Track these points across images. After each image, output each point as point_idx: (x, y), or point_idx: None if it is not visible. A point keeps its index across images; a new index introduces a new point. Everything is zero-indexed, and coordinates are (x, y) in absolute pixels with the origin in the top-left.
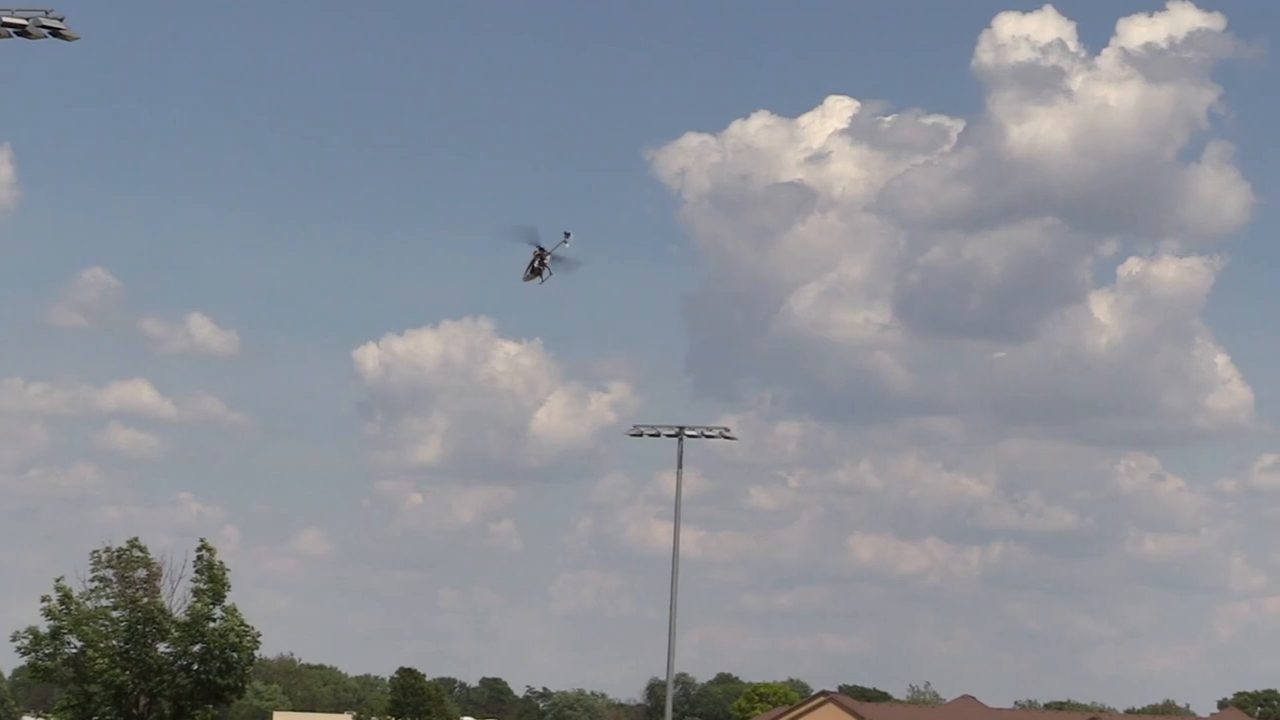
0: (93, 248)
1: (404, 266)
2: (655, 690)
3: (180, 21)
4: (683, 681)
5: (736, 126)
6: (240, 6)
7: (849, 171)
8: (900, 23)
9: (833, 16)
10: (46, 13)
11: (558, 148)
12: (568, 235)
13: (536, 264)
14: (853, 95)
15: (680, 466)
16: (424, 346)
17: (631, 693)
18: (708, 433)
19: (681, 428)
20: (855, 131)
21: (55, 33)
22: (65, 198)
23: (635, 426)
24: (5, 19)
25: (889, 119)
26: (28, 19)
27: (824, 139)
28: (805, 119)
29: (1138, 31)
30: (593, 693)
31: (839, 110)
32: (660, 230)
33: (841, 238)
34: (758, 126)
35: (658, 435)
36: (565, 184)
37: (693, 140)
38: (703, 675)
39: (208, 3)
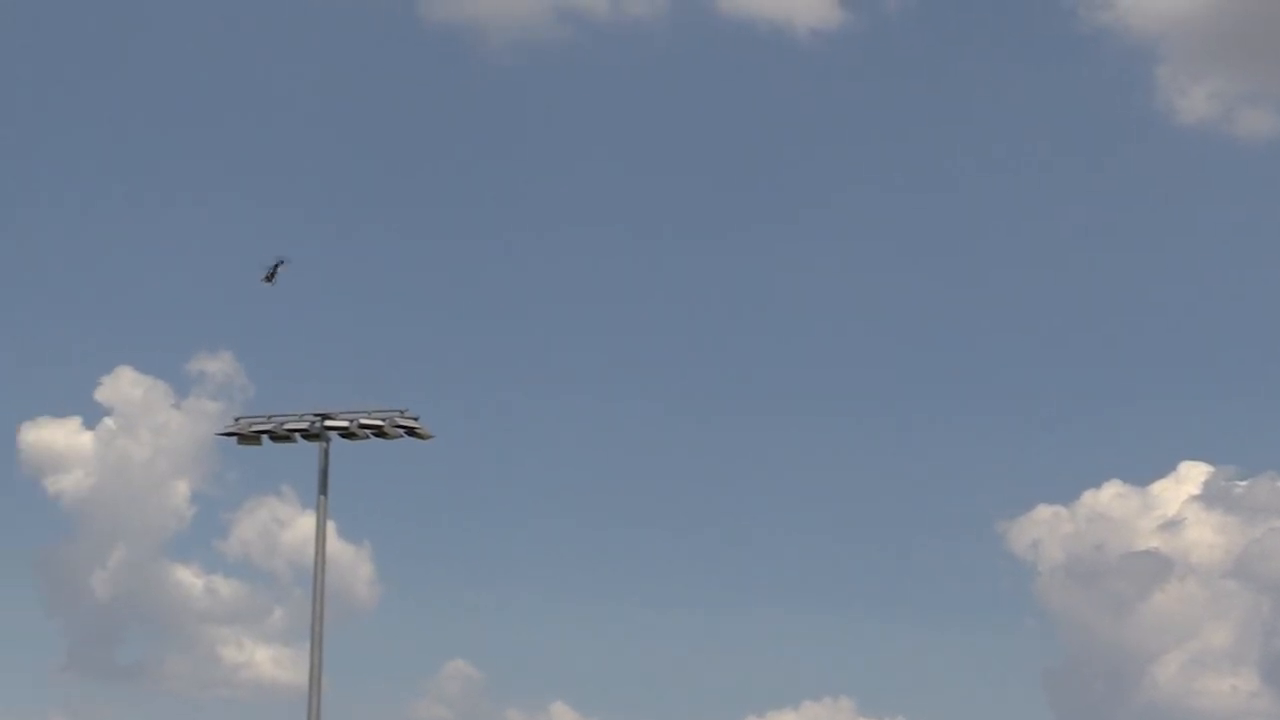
0: (453, 641)
1: (762, 645)
2: None
3: (524, 423)
4: None
5: (1088, 496)
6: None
7: (1205, 538)
8: (1252, 387)
9: (1182, 383)
10: (402, 413)
11: (907, 519)
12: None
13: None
14: (1206, 460)
15: None
16: None
17: None
18: None
19: None
20: (1209, 497)
21: (410, 432)
22: (423, 593)
23: None
24: (364, 421)
25: (1243, 484)
26: (384, 419)
27: (1178, 506)
28: (1158, 486)
29: None
30: None
31: (1192, 476)
32: (1015, 603)
33: (1201, 605)
34: (1110, 495)
35: None
36: (915, 555)
37: (1044, 512)
38: None
39: (554, 408)
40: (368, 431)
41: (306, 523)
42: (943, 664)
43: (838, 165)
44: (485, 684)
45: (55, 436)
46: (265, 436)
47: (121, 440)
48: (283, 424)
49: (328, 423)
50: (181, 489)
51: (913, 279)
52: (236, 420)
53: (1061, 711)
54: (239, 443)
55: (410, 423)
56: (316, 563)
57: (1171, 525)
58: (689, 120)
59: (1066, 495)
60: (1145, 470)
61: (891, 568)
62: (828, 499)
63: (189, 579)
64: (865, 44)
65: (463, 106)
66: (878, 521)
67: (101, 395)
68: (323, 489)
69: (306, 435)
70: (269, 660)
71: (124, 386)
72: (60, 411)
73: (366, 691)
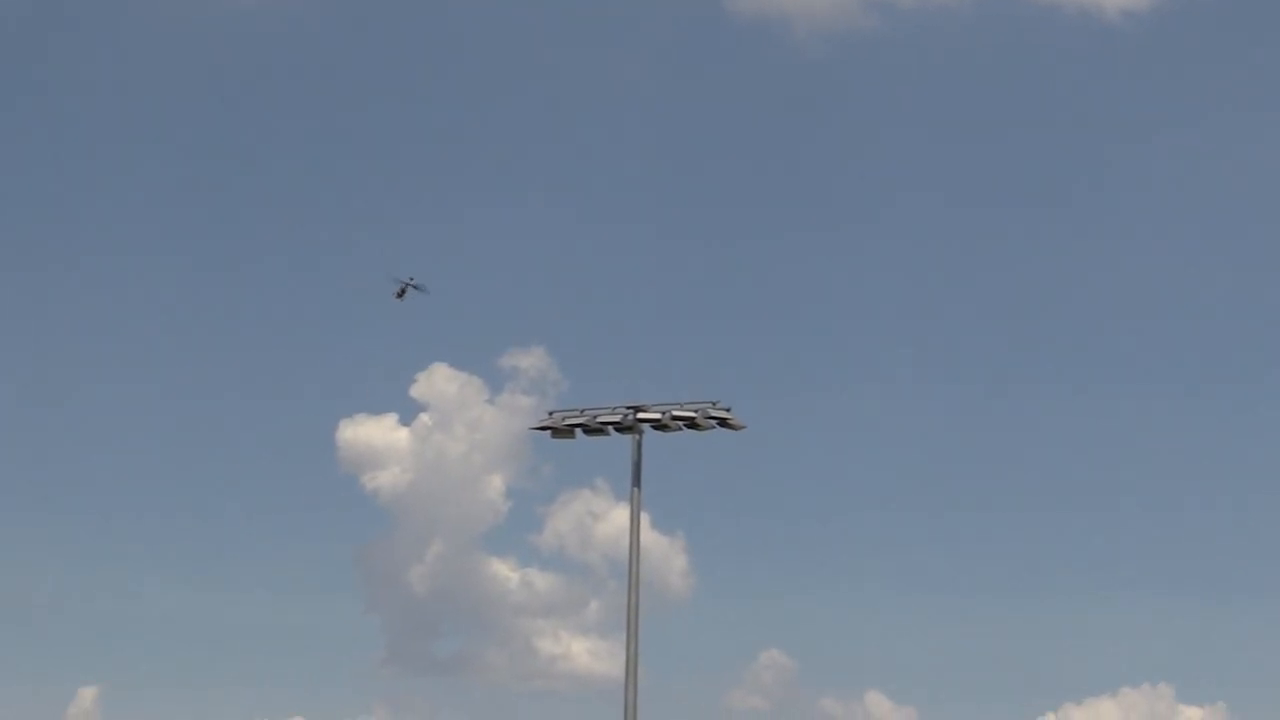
0: (768, 631)
1: (1080, 632)
2: None
3: (836, 412)
4: None
5: None
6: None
7: None
8: None
9: None
10: (714, 404)
11: (1225, 503)
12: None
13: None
14: None
15: None
16: (1102, 714)
17: None
18: None
19: None
20: None
21: (723, 423)
22: (737, 583)
23: None
24: (676, 413)
25: None
26: (697, 411)
27: None
28: None
29: None
30: None
31: None
32: None
33: None
34: None
35: None
36: (1234, 540)
37: None
38: None
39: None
40: (680, 423)
41: (620, 515)
42: (1263, 650)
43: (1150, 149)
44: (800, 673)
45: (372, 433)
46: (578, 430)
47: (437, 436)
48: (596, 417)
49: (640, 415)
50: (496, 483)
51: (1247, 260)
52: (550, 414)
53: None
54: (553, 436)
55: (723, 414)
56: (631, 555)
57: None
58: (997, 106)
59: None
60: None
61: (1209, 552)
62: (1143, 484)
63: (505, 572)
64: (1179, 24)
65: (772, 98)
66: (1197, 506)
67: (417, 392)
68: (636, 481)
69: (619, 428)
70: (585, 652)
71: (439, 383)
72: (377, 409)
73: (682, 682)
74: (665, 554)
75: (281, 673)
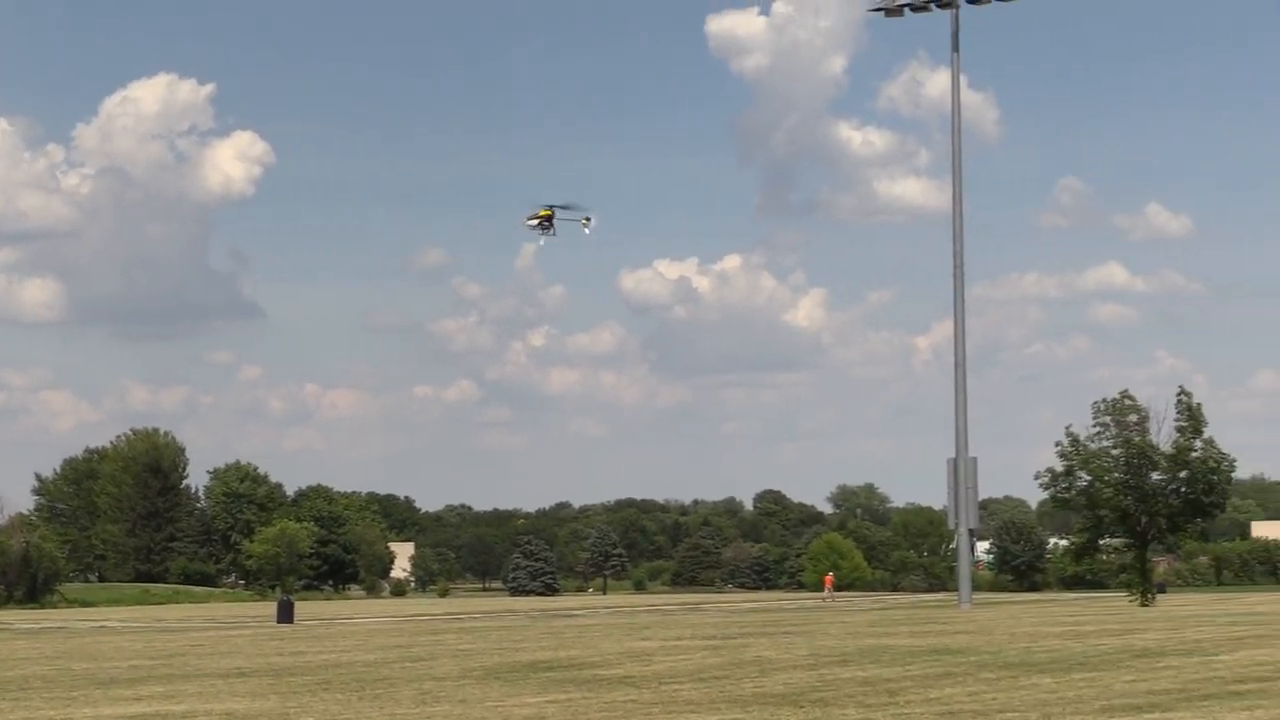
0: (1068, 162)
1: None
2: None
3: None
4: None
5: None
6: None
7: None
8: None
9: None
10: None
11: None
12: (588, 220)
13: (545, 222)
14: None
15: None
16: None
17: None
18: None
19: None
20: None
21: None
22: (1043, 123)
23: None
24: None
25: None
26: None
27: None
28: None
29: None
30: None
31: None
32: None
33: None
34: None
35: None
36: None
37: None
38: None
39: None
40: None
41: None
42: None
43: None
44: (1094, 195)
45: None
46: (906, 9)
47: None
48: None
49: None
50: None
51: None
52: None
53: None
54: (885, 16)
55: None
56: (953, 109)
57: None
58: None
59: None
60: None
61: None
62: None
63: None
64: None
65: None
66: None
67: None
68: (955, 48)
69: (940, 4)
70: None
71: None
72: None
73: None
74: (979, 108)
75: None
